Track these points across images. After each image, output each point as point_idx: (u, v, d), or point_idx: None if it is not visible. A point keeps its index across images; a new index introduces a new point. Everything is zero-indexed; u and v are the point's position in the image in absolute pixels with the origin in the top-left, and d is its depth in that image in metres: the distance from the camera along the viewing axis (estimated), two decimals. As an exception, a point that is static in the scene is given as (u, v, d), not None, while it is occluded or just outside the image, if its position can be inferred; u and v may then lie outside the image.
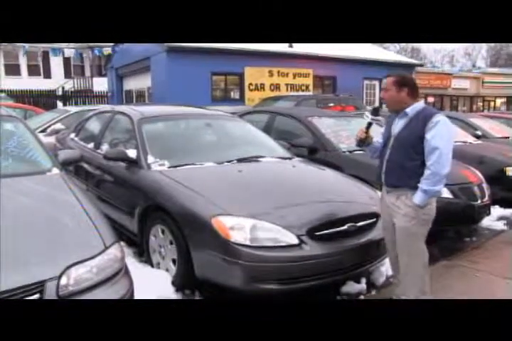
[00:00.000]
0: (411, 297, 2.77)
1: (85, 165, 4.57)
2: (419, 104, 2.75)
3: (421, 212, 2.67)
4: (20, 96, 17.05)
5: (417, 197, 2.64)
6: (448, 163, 2.59)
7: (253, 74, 14.61)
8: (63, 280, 2.01)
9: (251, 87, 14.75)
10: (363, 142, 2.98)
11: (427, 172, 2.60)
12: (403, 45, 50.81)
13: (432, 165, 2.58)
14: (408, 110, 2.75)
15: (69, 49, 17.02)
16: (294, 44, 15.11)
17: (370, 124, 2.96)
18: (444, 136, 2.59)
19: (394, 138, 2.81)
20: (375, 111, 2.99)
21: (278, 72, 15.10)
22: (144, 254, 3.67)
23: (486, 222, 5.16)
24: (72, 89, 21.27)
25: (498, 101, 27.62)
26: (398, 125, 2.81)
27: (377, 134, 3.10)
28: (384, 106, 3.35)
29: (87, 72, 24.56)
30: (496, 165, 5.83)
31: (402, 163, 2.72)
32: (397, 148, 2.76)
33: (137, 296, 2.39)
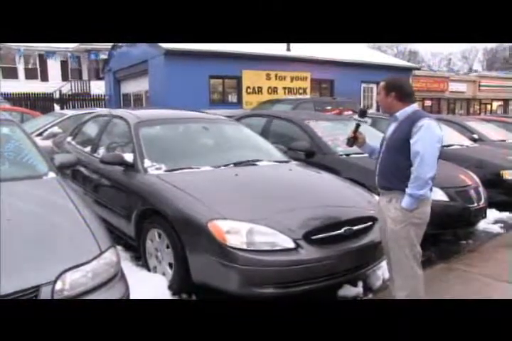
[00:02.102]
0: (402, 297, 2.77)
1: (82, 169, 4.57)
2: (410, 108, 2.77)
3: (410, 215, 2.68)
4: (17, 100, 16.99)
5: (405, 201, 2.66)
6: (430, 168, 2.60)
7: (251, 77, 14.62)
8: (58, 285, 2.00)
9: (249, 90, 14.75)
10: (352, 142, 3.09)
11: (411, 176, 2.62)
12: (401, 48, 51.10)
13: (415, 170, 2.60)
14: (397, 114, 2.79)
15: (66, 52, 16.98)
16: (291, 47, 15.15)
17: (358, 125, 3.06)
18: (426, 140, 2.60)
19: (386, 142, 2.86)
20: (362, 113, 3.09)
21: (276, 75, 15.12)
22: (141, 258, 3.66)
23: (483, 224, 5.19)
24: (70, 93, 21.31)
25: (495, 104, 27.72)
26: (390, 129, 2.87)
27: (368, 135, 3.18)
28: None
29: (85, 76, 24.61)
30: (493, 168, 5.85)
31: (392, 166, 2.76)
32: (388, 151, 2.81)
33: (133, 301, 2.38)
